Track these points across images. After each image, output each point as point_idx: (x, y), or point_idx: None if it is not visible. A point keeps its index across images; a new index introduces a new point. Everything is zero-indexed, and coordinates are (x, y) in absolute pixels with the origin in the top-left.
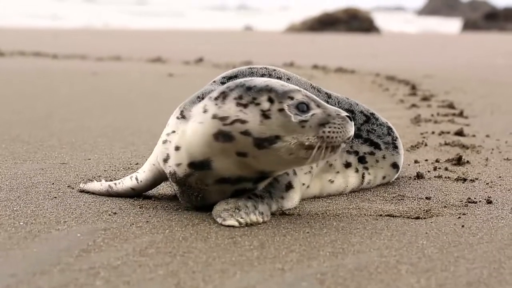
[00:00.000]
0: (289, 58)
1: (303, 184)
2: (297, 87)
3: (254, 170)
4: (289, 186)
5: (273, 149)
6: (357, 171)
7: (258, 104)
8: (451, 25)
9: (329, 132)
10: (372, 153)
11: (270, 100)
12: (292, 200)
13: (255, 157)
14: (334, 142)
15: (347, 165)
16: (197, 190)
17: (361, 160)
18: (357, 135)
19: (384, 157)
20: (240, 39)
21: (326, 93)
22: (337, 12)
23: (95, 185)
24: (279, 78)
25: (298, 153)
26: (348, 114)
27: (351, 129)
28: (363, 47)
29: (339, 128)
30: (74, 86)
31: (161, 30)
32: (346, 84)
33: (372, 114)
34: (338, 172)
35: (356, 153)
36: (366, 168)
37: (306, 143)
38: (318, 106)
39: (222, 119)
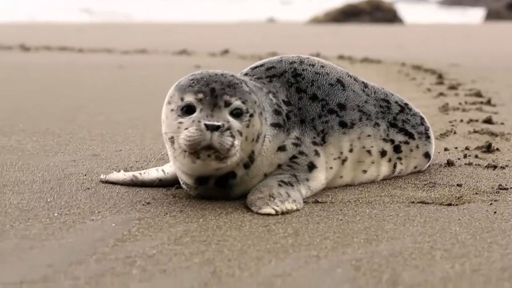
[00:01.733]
0: (314, 49)
1: (331, 167)
2: (197, 88)
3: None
4: (311, 167)
5: (172, 150)
6: (389, 160)
7: (168, 103)
8: (474, 15)
9: (182, 137)
10: (406, 143)
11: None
12: (318, 179)
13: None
14: (184, 147)
15: (383, 153)
16: None
17: (396, 149)
18: (392, 124)
19: (417, 147)
20: (264, 31)
21: (362, 82)
22: (360, 3)
23: (118, 175)
24: (312, 65)
25: (181, 156)
26: (211, 124)
27: (203, 138)
28: (387, 37)
29: (190, 135)
30: (101, 79)
31: (185, 22)
32: (373, 74)
33: (406, 104)
34: (373, 162)
35: (392, 141)
36: (399, 158)
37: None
38: (201, 111)
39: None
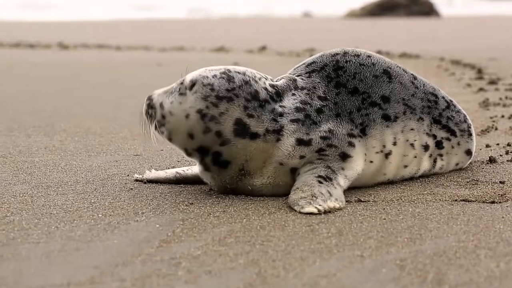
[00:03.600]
0: (352, 43)
1: (371, 161)
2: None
3: None
4: (344, 156)
5: None
6: (430, 155)
7: None
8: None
9: None
10: (448, 139)
11: None
12: (354, 169)
13: None
14: None
15: (426, 147)
16: None
17: (438, 144)
18: (436, 121)
19: (459, 144)
20: (300, 26)
21: (412, 74)
22: None
23: (159, 173)
24: (357, 55)
25: None
26: (149, 97)
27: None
28: (424, 31)
29: None
30: (139, 77)
31: (221, 18)
32: (412, 69)
33: (451, 101)
34: (415, 156)
35: (434, 136)
36: (440, 155)
37: None
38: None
39: None
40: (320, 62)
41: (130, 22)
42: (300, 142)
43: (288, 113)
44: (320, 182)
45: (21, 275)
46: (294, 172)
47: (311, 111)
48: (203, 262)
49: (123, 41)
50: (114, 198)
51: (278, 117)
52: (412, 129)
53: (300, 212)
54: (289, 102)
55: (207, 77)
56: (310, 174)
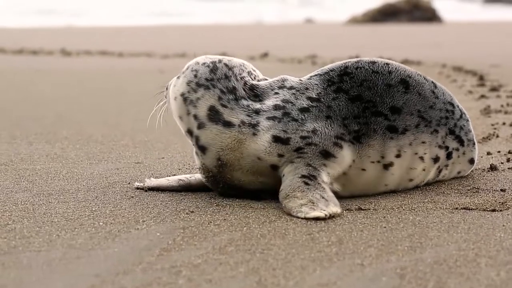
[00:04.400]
0: (354, 50)
1: (363, 169)
2: None
3: None
4: (326, 155)
5: None
6: (439, 167)
7: None
8: None
9: None
10: (457, 149)
11: None
12: (335, 169)
13: None
14: None
15: (436, 159)
16: None
17: (449, 155)
18: (452, 131)
19: (464, 153)
20: (302, 32)
21: (432, 82)
22: (399, 2)
23: (160, 181)
24: (372, 63)
25: None
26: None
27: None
28: (427, 37)
29: None
30: (142, 84)
31: (223, 24)
32: None
33: (462, 108)
34: (424, 169)
35: (447, 148)
36: (446, 165)
37: None
38: None
39: None
40: (328, 67)
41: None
42: (276, 139)
43: (265, 111)
44: (307, 184)
45: (22, 284)
46: (276, 170)
47: (292, 109)
48: (204, 270)
49: (126, 48)
50: (115, 206)
51: (253, 114)
52: (423, 143)
53: (305, 218)
54: (270, 100)
55: (198, 63)
56: (294, 175)
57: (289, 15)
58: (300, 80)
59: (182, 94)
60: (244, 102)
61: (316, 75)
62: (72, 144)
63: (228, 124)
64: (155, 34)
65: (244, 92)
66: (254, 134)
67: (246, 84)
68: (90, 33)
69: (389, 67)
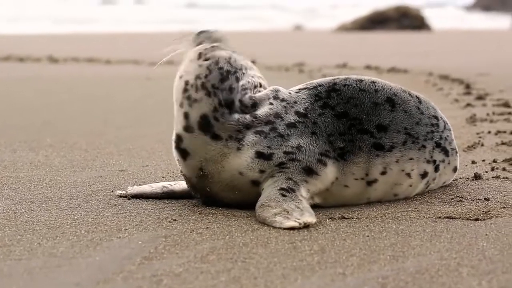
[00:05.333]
0: (341, 59)
1: (346, 186)
2: None
3: None
4: (309, 171)
5: None
6: (427, 182)
7: None
8: (502, 22)
9: None
10: (443, 161)
11: None
12: (317, 186)
13: None
14: None
15: (424, 175)
16: None
17: (436, 169)
18: (438, 144)
19: (449, 163)
20: (290, 40)
21: (417, 96)
22: (388, 10)
23: (144, 188)
24: (360, 81)
25: None
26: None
27: None
28: (414, 45)
29: None
30: (129, 91)
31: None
32: (400, 84)
33: (444, 119)
34: (411, 185)
35: (434, 162)
36: (434, 178)
37: None
38: None
39: None
40: (317, 82)
41: (122, 35)
42: (259, 155)
43: (254, 126)
44: (284, 195)
45: None
46: (256, 185)
47: (280, 125)
48: (185, 279)
49: (113, 55)
50: (97, 214)
51: (242, 128)
52: (411, 159)
53: (280, 228)
54: (264, 110)
55: (218, 63)
56: (273, 188)
57: (277, 22)
58: (290, 93)
59: (187, 83)
60: (236, 116)
61: (305, 88)
62: (56, 151)
63: (216, 137)
64: (145, 41)
65: (239, 104)
66: (239, 148)
67: (245, 95)
68: (77, 39)
69: (375, 86)
